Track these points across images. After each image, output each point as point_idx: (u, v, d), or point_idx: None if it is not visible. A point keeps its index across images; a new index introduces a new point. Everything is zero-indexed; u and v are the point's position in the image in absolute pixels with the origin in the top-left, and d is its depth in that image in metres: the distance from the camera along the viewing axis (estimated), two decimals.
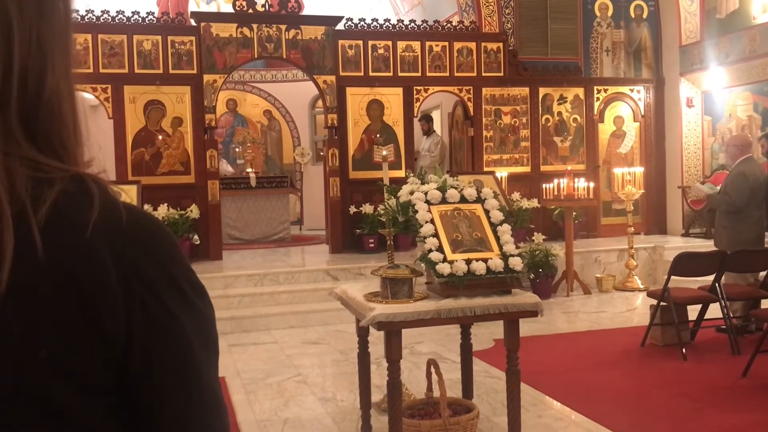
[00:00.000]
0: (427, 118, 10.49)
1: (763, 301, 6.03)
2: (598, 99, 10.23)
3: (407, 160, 9.44)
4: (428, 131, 10.61)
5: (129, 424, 0.70)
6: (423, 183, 3.67)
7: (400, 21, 9.74)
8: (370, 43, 9.30)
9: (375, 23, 9.40)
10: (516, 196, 9.28)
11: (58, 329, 0.65)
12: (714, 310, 5.92)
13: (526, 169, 9.89)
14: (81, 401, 0.66)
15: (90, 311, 0.66)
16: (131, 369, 0.68)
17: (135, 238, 0.69)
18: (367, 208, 8.91)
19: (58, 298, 0.65)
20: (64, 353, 0.65)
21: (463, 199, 3.62)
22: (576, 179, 8.49)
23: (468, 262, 3.37)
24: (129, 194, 7.43)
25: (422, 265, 3.49)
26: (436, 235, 3.45)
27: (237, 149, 12.63)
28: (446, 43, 9.56)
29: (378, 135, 9.25)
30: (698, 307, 6.00)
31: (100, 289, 0.66)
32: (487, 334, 6.01)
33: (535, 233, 8.49)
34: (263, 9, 8.95)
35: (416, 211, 3.52)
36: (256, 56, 9.05)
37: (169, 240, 0.73)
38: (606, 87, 10.27)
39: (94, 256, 0.66)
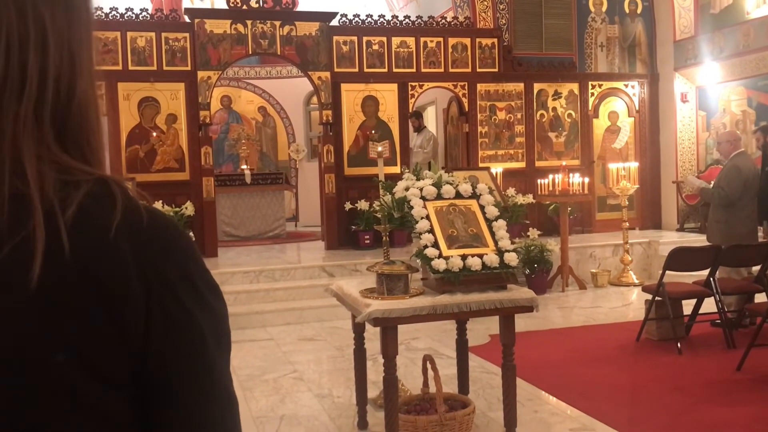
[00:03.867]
0: (417, 115, 10.48)
1: (757, 295, 6.06)
2: (592, 94, 10.24)
3: (402, 156, 9.44)
4: (419, 127, 10.61)
5: (145, 415, 0.73)
6: (418, 179, 3.68)
7: (395, 17, 9.73)
8: (365, 39, 9.28)
9: (369, 19, 9.38)
10: (511, 191, 9.29)
11: (83, 325, 0.68)
12: (709, 305, 5.95)
13: (521, 164, 9.90)
14: (103, 393, 0.70)
15: (112, 308, 0.69)
16: (148, 362, 0.72)
17: (155, 239, 0.73)
18: (363, 205, 8.91)
19: (83, 295, 0.68)
20: (88, 347, 0.68)
21: (459, 195, 3.62)
22: (571, 174, 8.49)
23: (464, 257, 3.37)
24: None
25: (418, 261, 3.49)
26: (431, 231, 3.45)
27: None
28: (441, 39, 9.55)
29: (373, 131, 9.24)
30: (693, 301, 6.02)
31: (122, 287, 0.69)
32: (482, 330, 6.02)
33: (531, 229, 8.50)
34: (257, 5, 8.93)
35: (412, 207, 3.52)
36: (250, 52, 9.03)
37: (186, 241, 0.76)
38: (600, 82, 10.28)
39: (117, 256, 0.69)
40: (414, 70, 9.46)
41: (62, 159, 0.71)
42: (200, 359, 0.74)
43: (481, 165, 9.45)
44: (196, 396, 0.74)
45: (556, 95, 10.07)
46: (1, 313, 0.66)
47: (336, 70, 9.15)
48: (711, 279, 5.82)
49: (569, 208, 8.65)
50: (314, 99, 11.06)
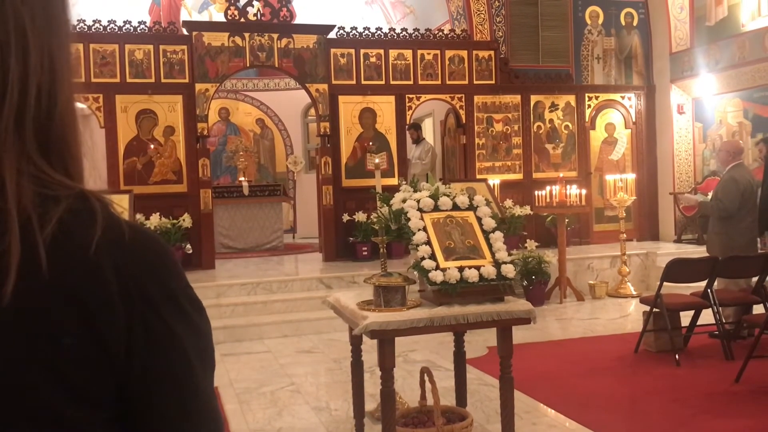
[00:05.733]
0: (415, 126, 10.51)
1: (755, 306, 6.05)
2: (589, 106, 10.28)
3: (400, 168, 9.45)
4: (417, 139, 10.63)
5: None
6: (415, 191, 3.68)
7: (392, 29, 9.78)
8: (362, 51, 9.32)
9: (367, 32, 9.42)
10: (508, 203, 9.30)
11: (62, 344, 0.66)
12: (706, 316, 5.94)
13: (519, 176, 9.92)
14: (85, 414, 0.68)
15: (92, 326, 0.67)
16: (131, 381, 0.70)
17: (136, 256, 0.71)
18: (360, 216, 8.91)
19: (62, 313, 0.66)
20: (68, 367, 0.66)
21: (456, 207, 3.62)
22: (568, 186, 8.51)
23: (461, 269, 3.37)
24: (121, 204, 7.38)
25: (415, 272, 3.49)
26: (428, 242, 3.45)
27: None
28: (438, 52, 9.59)
29: (371, 143, 9.26)
30: (691, 313, 6.02)
31: (102, 304, 0.68)
32: (480, 342, 6.01)
33: (528, 240, 8.50)
34: (255, 18, 8.97)
35: (409, 219, 3.52)
36: (248, 65, 9.06)
37: (168, 257, 0.75)
38: (597, 94, 10.32)
39: (98, 273, 0.68)
40: (411, 82, 9.50)
41: (43, 171, 0.69)
42: (184, 377, 0.72)
43: (478, 177, 9.46)
44: (180, 414, 0.72)
45: (553, 107, 10.11)
46: None
47: (334, 82, 9.18)
48: (709, 290, 5.82)
49: (567, 220, 8.66)
50: (312, 111, 11.09)
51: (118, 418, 0.71)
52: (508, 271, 3.42)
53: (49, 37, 0.71)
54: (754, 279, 6.10)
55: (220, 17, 11.13)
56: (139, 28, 8.68)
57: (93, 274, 0.68)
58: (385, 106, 9.40)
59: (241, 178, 11.50)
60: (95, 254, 0.68)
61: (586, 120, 10.25)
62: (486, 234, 3.56)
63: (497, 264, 3.43)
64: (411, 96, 9.50)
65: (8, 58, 0.67)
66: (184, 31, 8.90)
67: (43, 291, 0.65)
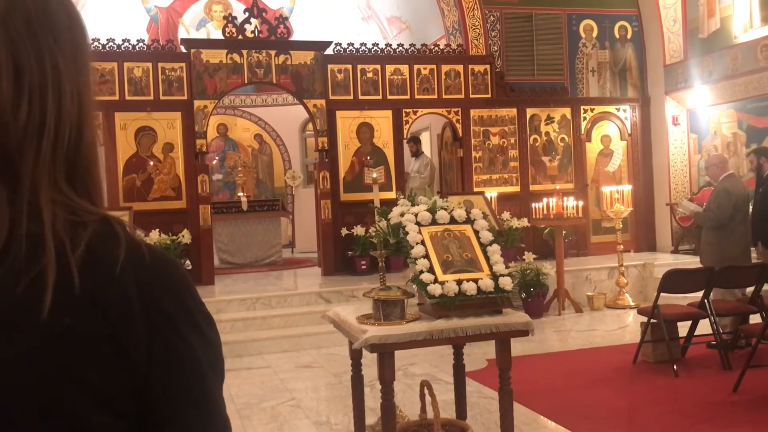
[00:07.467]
0: (415, 140, 10.58)
1: (751, 316, 6.08)
2: (585, 119, 10.34)
3: (397, 181, 9.50)
4: (416, 152, 10.69)
5: None
6: (413, 205, 3.72)
7: (389, 45, 9.86)
8: (359, 67, 9.40)
9: (363, 47, 9.50)
10: (506, 215, 9.34)
11: (90, 355, 0.72)
12: (704, 326, 5.97)
13: (516, 188, 9.97)
14: (108, 422, 0.74)
15: (118, 339, 0.74)
16: (150, 391, 0.76)
17: (156, 275, 0.78)
18: (359, 230, 8.94)
19: (91, 326, 0.73)
20: (95, 377, 0.72)
21: (453, 220, 3.66)
22: (565, 198, 8.55)
23: (459, 282, 3.40)
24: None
25: (414, 286, 3.52)
26: (426, 256, 3.49)
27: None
28: (434, 66, 9.67)
29: (368, 157, 9.31)
30: (688, 323, 6.04)
31: (126, 320, 0.74)
32: (480, 354, 6.03)
33: (526, 252, 8.53)
34: (253, 35, 9.04)
35: (407, 233, 3.56)
36: (246, 81, 9.11)
37: (184, 277, 0.82)
38: (592, 107, 10.39)
39: (122, 292, 0.74)
40: (408, 96, 9.57)
41: (72, 200, 0.76)
42: (199, 386, 0.79)
43: (475, 189, 9.51)
44: (196, 422, 0.78)
45: (549, 120, 10.17)
46: (17, 347, 0.70)
47: (331, 97, 9.24)
48: (705, 301, 5.86)
49: (564, 232, 8.70)
50: (310, 126, 11.14)
51: (137, 425, 0.76)
52: (506, 283, 3.45)
53: (77, 75, 0.78)
54: (750, 288, 6.14)
55: (217, 35, 11.22)
56: (137, 46, 8.75)
57: (119, 292, 0.74)
58: (382, 121, 9.46)
59: (240, 194, 11.53)
60: (120, 275, 0.74)
61: (582, 132, 10.31)
62: (483, 247, 3.60)
63: (495, 276, 3.47)
64: (408, 110, 9.57)
65: (46, 98, 0.74)
66: (183, 49, 8.96)
67: (75, 306, 0.72)
